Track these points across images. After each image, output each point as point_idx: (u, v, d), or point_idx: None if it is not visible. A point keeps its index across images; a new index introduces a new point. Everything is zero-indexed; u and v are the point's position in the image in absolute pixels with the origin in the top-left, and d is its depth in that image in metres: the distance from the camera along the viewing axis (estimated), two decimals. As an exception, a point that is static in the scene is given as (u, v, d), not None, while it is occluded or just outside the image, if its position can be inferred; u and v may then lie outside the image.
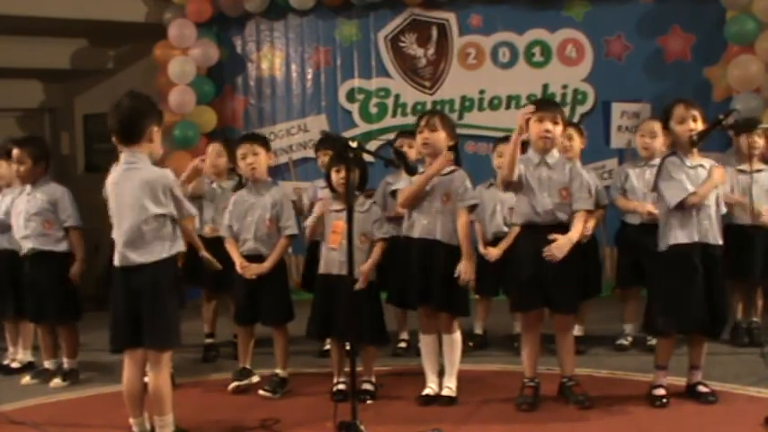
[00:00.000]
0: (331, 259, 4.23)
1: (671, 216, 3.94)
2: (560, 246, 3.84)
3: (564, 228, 3.94)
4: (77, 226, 4.83)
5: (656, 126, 4.93)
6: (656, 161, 4.89)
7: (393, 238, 4.39)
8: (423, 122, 4.10)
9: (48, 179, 4.87)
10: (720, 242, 3.93)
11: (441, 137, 4.08)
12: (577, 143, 4.99)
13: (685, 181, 3.88)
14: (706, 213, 3.90)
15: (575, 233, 3.90)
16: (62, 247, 4.78)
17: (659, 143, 4.92)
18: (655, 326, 4.04)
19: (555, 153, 4.04)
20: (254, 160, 4.43)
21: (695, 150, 3.95)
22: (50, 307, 4.74)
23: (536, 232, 3.94)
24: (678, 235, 3.91)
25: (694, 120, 3.91)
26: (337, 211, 4.22)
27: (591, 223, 4.68)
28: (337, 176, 4.24)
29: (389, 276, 4.26)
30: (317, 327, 4.30)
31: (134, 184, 3.39)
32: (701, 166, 3.94)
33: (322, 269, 4.30)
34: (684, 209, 3.88)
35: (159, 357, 3.43)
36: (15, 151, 4.76)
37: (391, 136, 6.98)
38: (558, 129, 3.99)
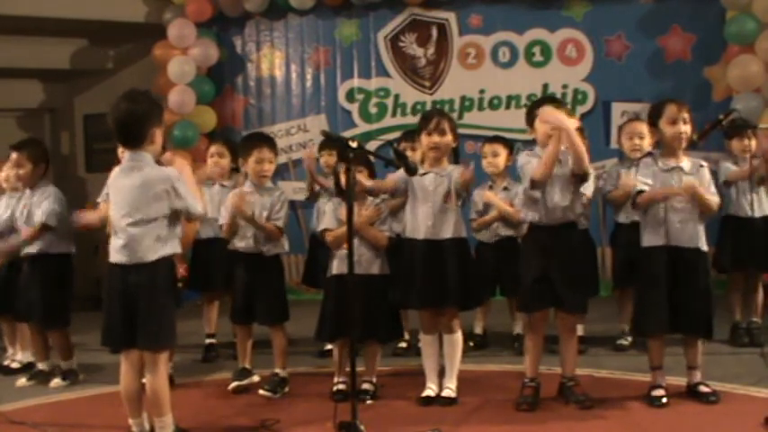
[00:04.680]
0: (344, 260, 4.20)
1: (642, 218, 3.99)
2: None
3: (572, 227, 3.95)
4: (47, 223, 4.63)
5: (643, 127, 4.95)
6: None
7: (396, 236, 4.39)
8: (432, 125, 4.05)
9: (47, 182, 4.84)
10: (700, 245, 3.89)
11: (448, 140, 4.08)
12: None
13: (646, 181, 3.90)
14: (678, 216, 3.87)
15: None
16: (55, 250, 4.72)
17: (647, 144, 4.92)
18: (636, 326, 4.11)
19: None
20: (270, 169, 4.44)
21: (680, 152, 3.93)
22: (38, 311, 4.70)
23: (544, 231, 3.93)
24: (648, 238, 3.95)
25: (684, 122, 3.90)
26: None
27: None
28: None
29: (393, 278, 4.23)
30: (328, 329, 4.24)
31: (135, 183, 3.37)
32: (680, 168, 3.92)
33: (335, 270, 4.25)
34: (639, 208, 3.93)
35: (155, 359, 3.39)
36: (14, 155, 4.73)
37: (391, 136, 7.00)
38: None
